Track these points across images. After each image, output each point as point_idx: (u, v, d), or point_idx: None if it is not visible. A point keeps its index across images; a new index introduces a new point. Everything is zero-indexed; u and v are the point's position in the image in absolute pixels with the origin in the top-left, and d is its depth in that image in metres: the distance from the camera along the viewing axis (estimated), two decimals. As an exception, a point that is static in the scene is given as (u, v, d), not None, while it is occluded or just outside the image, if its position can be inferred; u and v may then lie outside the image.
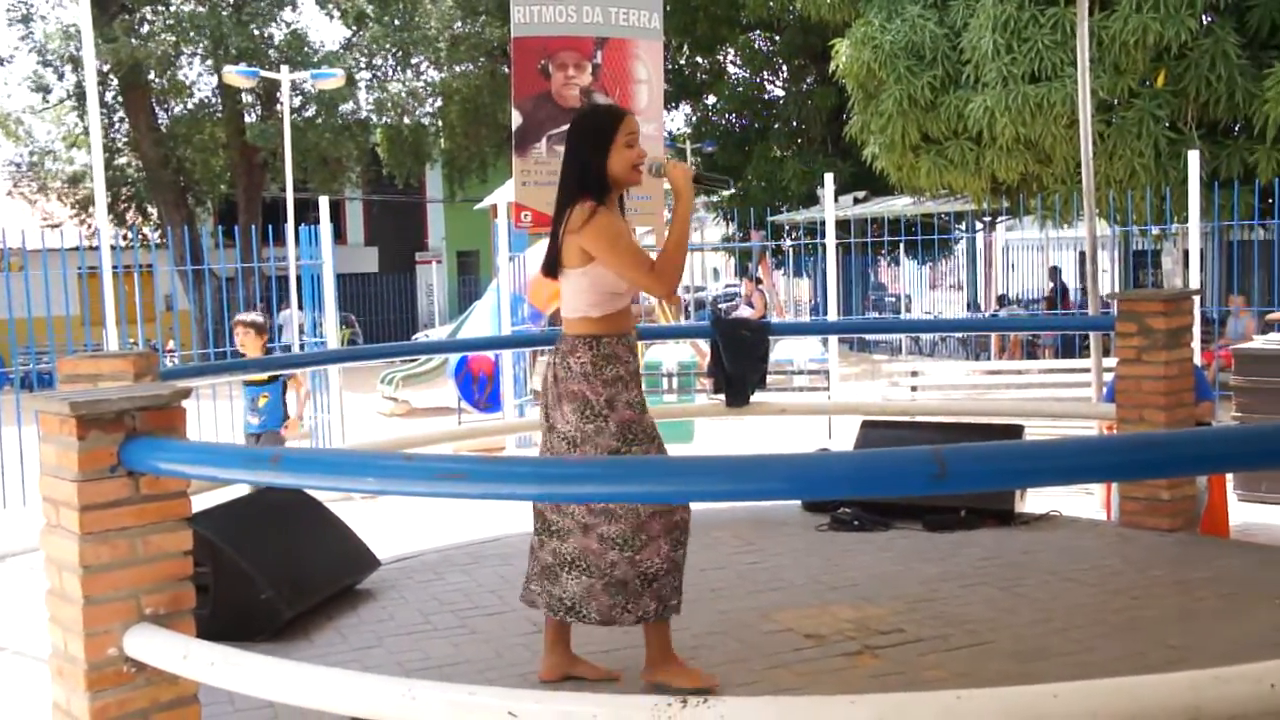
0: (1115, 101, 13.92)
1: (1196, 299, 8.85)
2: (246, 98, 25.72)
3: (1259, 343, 8.63)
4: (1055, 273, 21.12)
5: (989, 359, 17.82)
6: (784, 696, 2.37)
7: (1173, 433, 3.17)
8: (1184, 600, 4.54)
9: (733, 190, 29.04)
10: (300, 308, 11.20)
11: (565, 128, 6.33)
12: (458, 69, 26.52)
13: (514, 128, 6.33)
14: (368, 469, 2.46)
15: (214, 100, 26.67)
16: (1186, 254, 11.84)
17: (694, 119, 30.45)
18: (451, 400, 13.74)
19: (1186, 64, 13.34)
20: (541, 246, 14.78)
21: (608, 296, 3.72)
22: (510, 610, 4.60)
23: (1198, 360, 9.51)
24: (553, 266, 3.78)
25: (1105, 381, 7.03)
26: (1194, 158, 9.66)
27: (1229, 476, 7.21)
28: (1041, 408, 8.26)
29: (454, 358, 12.86)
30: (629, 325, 3.83)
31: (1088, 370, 8.38)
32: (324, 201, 10.33)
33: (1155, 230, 14.26)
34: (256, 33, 24.71)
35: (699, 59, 29.91)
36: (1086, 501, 7.04)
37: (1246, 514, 7.33)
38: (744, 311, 19.18)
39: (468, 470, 2.20)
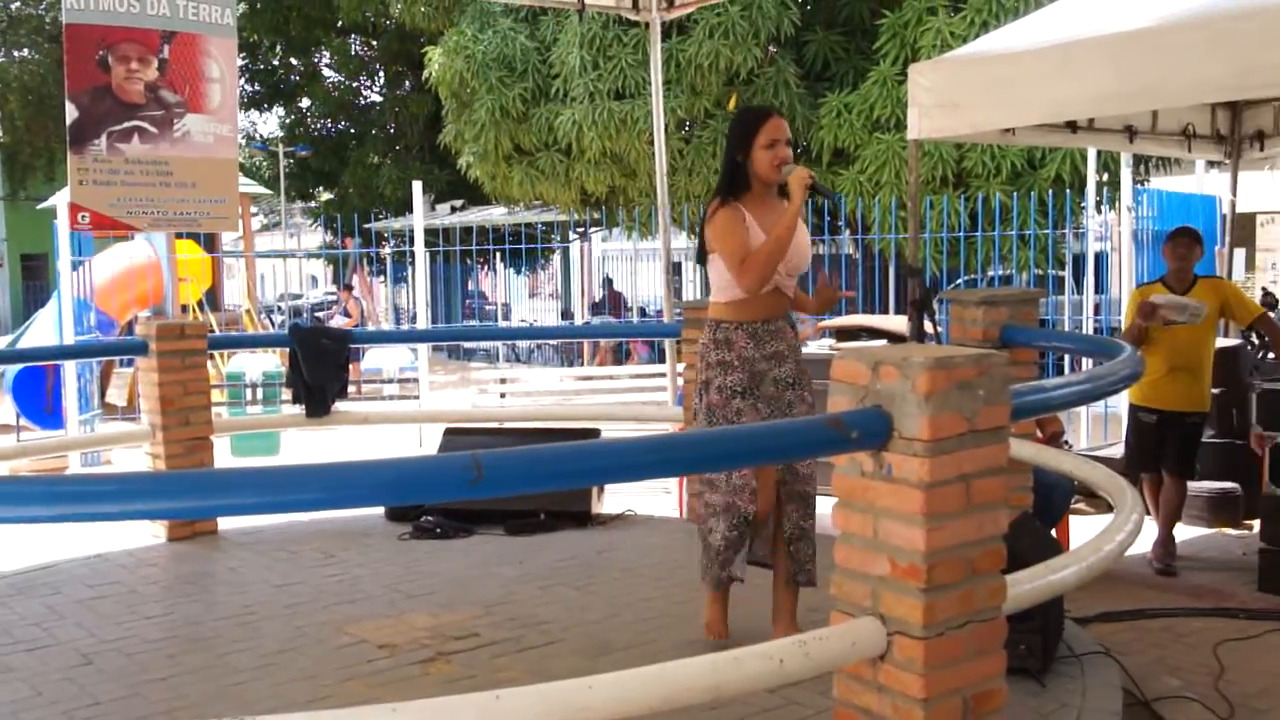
0: (692, 121, 14.77)
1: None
2: None
3: (811, 348, 9.35)
4: (608, 282, 22.03)
5: (583, 365, 18.37)
6: (322, 711, 2.32)
7: (686, 434, 3.38)
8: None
9: (329, 196, 28.39)
10: None
11: (128, 124, 6.01)
12: (16, 54, 24.29)
13: (69, 122, 5.86)
14: None
15: None
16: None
17: (288, 122, 29.45)
18: (10, 416, 12.58)
19: (754, 89, 14.34)
20: (113, 251, 13.72)
21: (729, 284, 3.97)
22: (56, 644, 4.26)
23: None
24: (700, 255, 4.11)
25: (680, 386, 7.41)
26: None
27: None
28: (619, 411, 8.59)
29: (11, 371, 11.77)
30: (762, 313, 3.98)
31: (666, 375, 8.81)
32: None
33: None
34: None
35: (293, 60, 28.97)
36: (665, 500, 7.38)
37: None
38: (340, 320, 18.77)
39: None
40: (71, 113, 5.86)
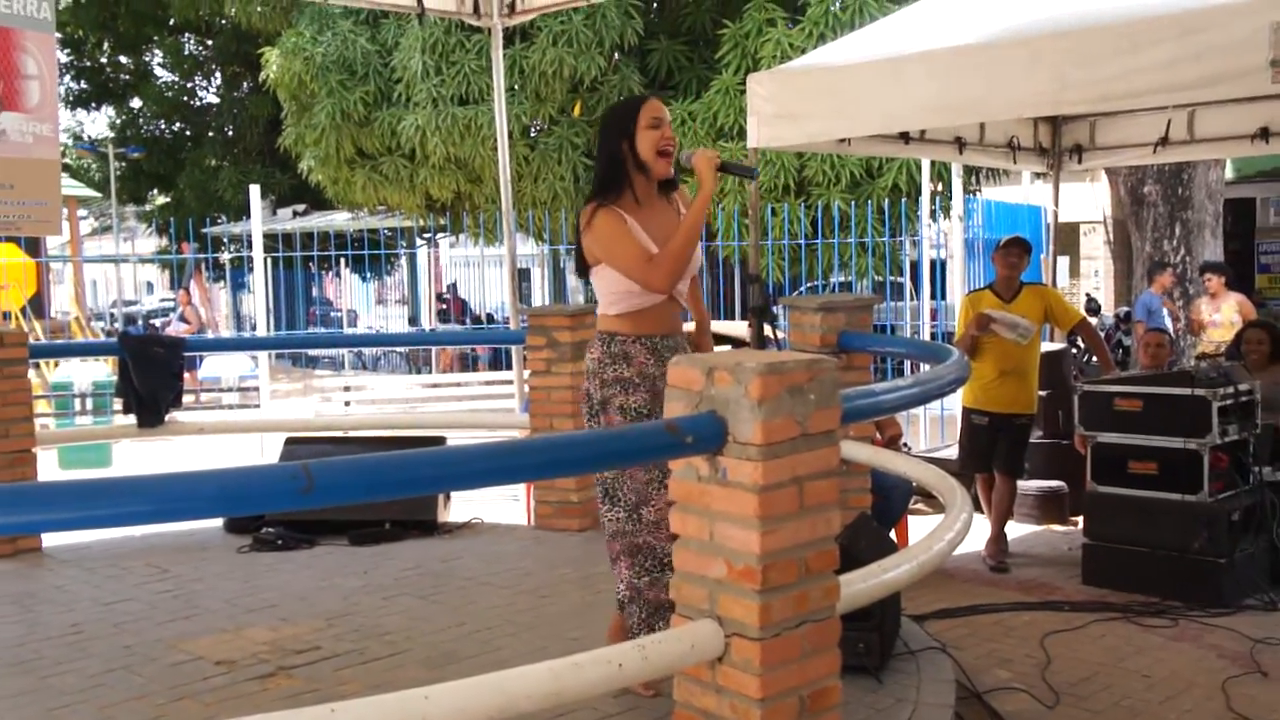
0: (537, 128, 14.76)
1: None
2: None
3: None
4: (452, 289, 21.86)
5: (431, 373, 18.15)
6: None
7: (526, 440, 3.39)
8: (585, 594, 4.87)
9: (165, 199, 27.49)
10: None
11: (-60, 123, 5.73)
12: None
13: (-128, 120, 5.56)
14: None
15: None
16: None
17: (118, 123, 28.37)
18: None
19: (599, 97, 14.40)
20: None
21: (622, 295, 3.60)
22: None
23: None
24: (580, 267, 3.71)
25: (527, 393, 7.39)
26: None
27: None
28: (465, 419, 8.54)
29: None
30: (660, 327, 3.65)
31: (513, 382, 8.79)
32: None
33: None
34: None
35: (122, 58, 27.93)
36: (513, 507, 7.34)
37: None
38: (178, 326, 18.18)
39: None
40: (-123, 110, 5.57)
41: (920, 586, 4.44)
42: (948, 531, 3.62)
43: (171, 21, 25.14)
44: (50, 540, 5.83)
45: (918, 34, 5.90)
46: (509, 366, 14.39)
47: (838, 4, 13.18)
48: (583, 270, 3.73)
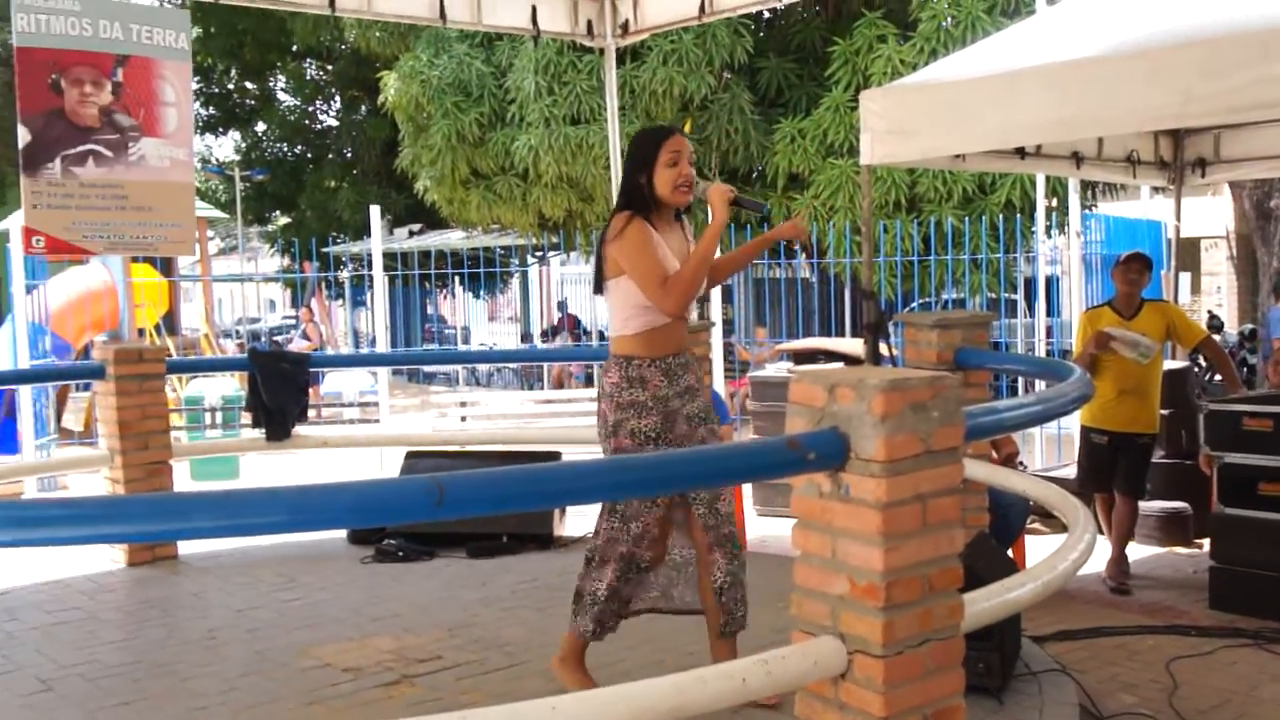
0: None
1: (718, 330, 9.52)
2: None
3: (770, 370, 9.42)
4: (562, 306, 22.02)
5: (543, 388, 18.33)
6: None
7: (646, 455, 3.40)
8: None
9: (286, 219, 28.21)
10: None
11: (83, 148, 5.97)
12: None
13: (21, 145, 5.81)
14: None
15: None
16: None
17: (243, 146, 29.28)
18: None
19: (709, 115, 14.45)
20: (69, 275, 13.56)
21: (638, 310, 3.65)
22: (16, 669, 4.22)
23: (723, 388, 10.29)
24: (598, 281, 3.73)
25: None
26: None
27: (746, 492, 7.82)
28: (579, 434, 8.58)
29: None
30: (672, 346, 3.72)
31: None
32: None
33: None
34: None
35: (248, 84, 28.84)
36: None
37: (765, 527, 7.94)
38: (299, 343, 18.64)
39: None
40: (24, 136, 5.82)
41: (1038, 607, 4.34)
42: (1071, 551, 3.55)
43: (294, 48, 25.91)
44: (185, 548, 6.03)
45: (1033, 48, 5.81)
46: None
47: (949, 20, 13.03)
48: (600, 285, 3.76)
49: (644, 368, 3.67)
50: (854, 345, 9.20)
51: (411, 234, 23.53)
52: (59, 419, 11.70)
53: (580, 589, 3.85)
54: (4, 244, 11.24)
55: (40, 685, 4.03)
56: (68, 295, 12.33)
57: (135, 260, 11.29)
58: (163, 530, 2.05)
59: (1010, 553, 5.44)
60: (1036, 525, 7.14)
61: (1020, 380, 10.22)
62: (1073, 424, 8.09)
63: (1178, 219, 8.72)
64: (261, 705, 3.85)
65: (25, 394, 9.57)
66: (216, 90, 28.35)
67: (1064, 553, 3.56)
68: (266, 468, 10.98)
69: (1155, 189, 10.06)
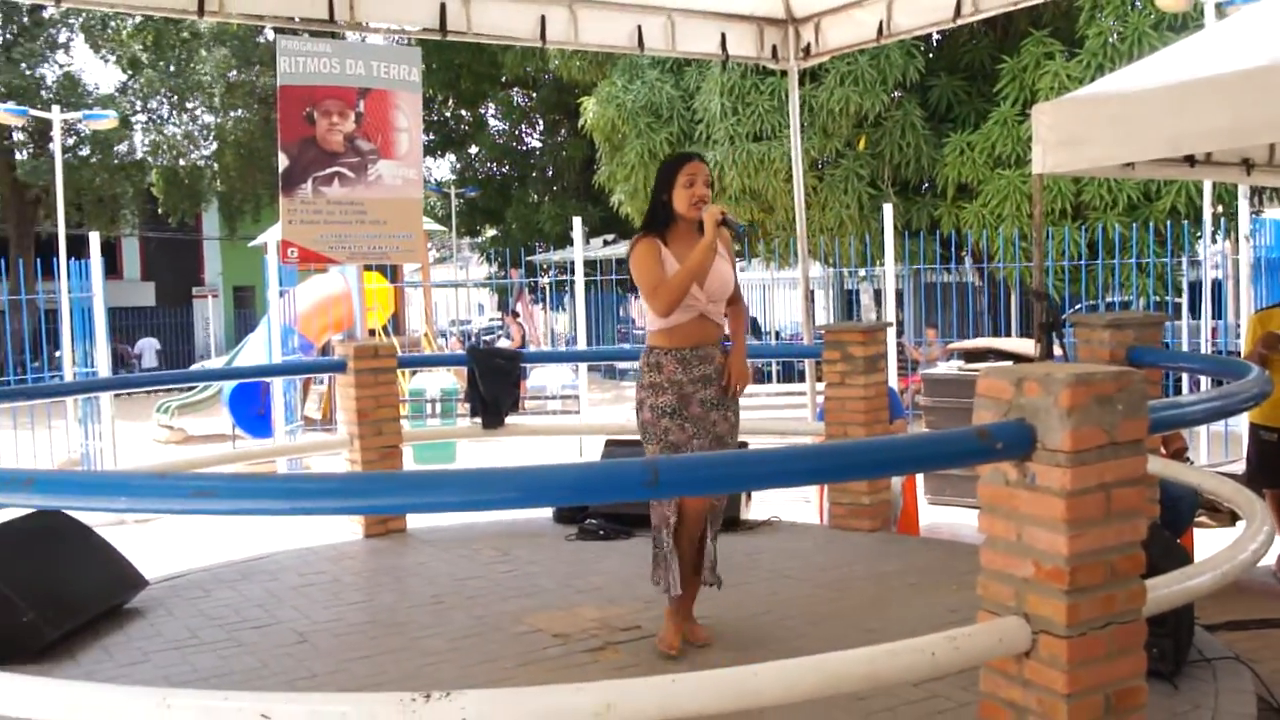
0: (824, 160, 14.67)
1: (891, 331, 9.34)
2: (18, 135, 24.21)
3: (942, 368, 9.20)
4: None
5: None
6: (519, 689, 2.37)
7: (840, 444, 3.35)
8: (879, 590, 4.79)
9: (495, 231, 28.94)
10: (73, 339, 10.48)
11: (330, 170, 6.25)
12: (232, 114, 25.51)
13: (281, 169, 6.13)
14: (121, 488, 2.30)
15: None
16: (878, 293, 12.48)
17: (458, 167, 30.23)
18: (226, 427, 13.16)
19: (882, 131, 14.20)
20: (312, 282, 14.19)
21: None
22: (277, 623, 4.44)
23: (895, 384, 10.09)
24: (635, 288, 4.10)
25: (819, 403, 7.34)
26: (889, 211, 10.27)
27: (919, 482, 7.66)
28: (763, 425, 8.57)
29: (229, 386, 12.31)
30: (690, 341, 3.99)
31: (805, 393, 8.76)
32: (94, 237, 9.75)
33: (861, 272, 15.06)
34: (28, 72, 23.23)
35: (463, 111, 29.76)
36: (805, 509, 7.31)
37: (935, 515, 7.78)
38: (504, 343, 19.11)
39: (216, 488, 2.11)
40: (283, 161, 6.12)
41: (1207, 597, 4.11)
42: (1250, 542, 3.36)
43: (503, 78, 26.60)
44: (412, 522, 6.24)
45: (1204, 60, 5.50)
46: (796, 379, 14.38)
47: (1115, 36, 12.48)
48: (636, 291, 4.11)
49: (662, 356, 3.99)
50: (1022, 345, 8.89)
51: (606, 243, 23.86)
52: (302, 408, 12.29)
53: (660, 556, 4.09)
54: (261, 256, 11.86)
55: (297, 637, 4.24)
56: (311, 300, 12.96)
57: (368, 268, 11.79)
58: (418, 503, 2.13)
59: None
60: (1203, 519, 6.77)
61: (1185, 380, 9.71)
62: (1240, 422, 7.65)
63: (1351, 222, 8.13)
64: (483, 664, 3.95)
65: (277, 385, 10.09)
66: (435, 118, 29.34)
67: (1243, 543, 3.37)
68: (479, 454, 11.31)
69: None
